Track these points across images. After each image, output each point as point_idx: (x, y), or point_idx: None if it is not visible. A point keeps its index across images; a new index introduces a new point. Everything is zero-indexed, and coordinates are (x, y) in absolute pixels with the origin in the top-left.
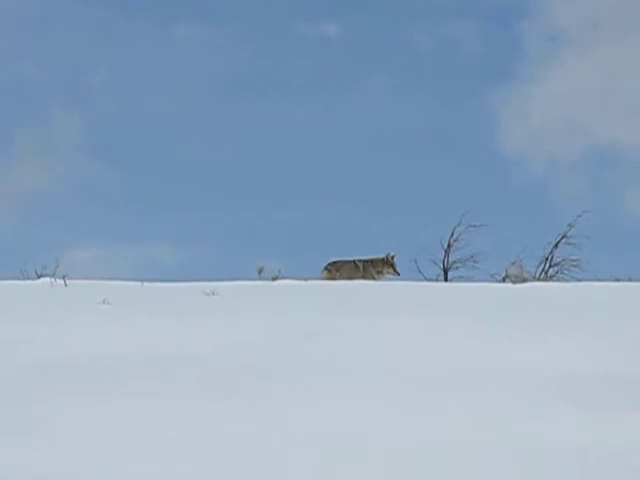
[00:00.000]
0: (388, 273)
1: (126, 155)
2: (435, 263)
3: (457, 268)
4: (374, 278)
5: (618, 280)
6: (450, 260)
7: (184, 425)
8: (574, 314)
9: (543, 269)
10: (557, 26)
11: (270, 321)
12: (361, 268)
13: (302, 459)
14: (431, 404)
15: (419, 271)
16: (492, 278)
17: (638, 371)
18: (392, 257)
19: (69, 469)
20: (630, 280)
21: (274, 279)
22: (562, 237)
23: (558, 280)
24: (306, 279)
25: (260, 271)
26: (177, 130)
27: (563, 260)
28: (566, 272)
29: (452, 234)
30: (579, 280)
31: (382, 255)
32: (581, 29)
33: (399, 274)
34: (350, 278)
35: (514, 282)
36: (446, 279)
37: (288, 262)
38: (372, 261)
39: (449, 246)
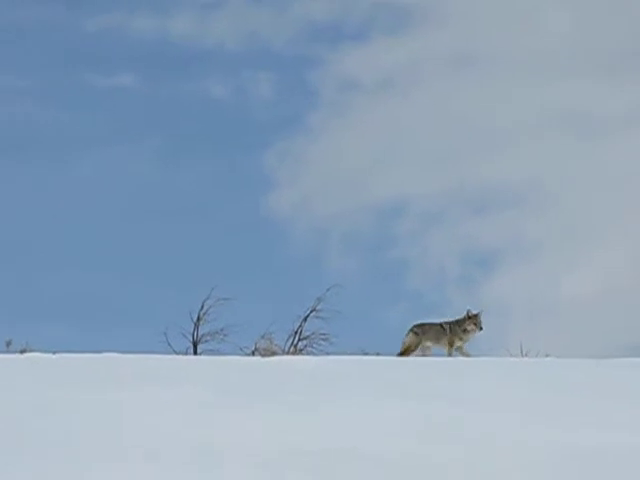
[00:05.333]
0: (472, 330)
1: None
2: (185, 336)
3: (207, 341)
4: (461, 339)
5: (366, 354)
6: (200, 333)
7: None
8: (322, 388)
9: (292, 342)
10: (349, 78)
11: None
12: (448, 331)
13: None
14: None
15: (168, 344)
16: (242, 351)
17: (392, 447)
18: (475, 314)
19: None
20: (378, 354)
21: (22, 352)
22: (311, 311)
23: (307, 353)
24: (54, 352)
25: (8, 344)
26: None
27: (313, 334)
28: (315, 346)
29: (202, 307)
30: (328, 354)
31: (463, 314)
32: (373, 82)
33: (482, 329)
34: (437, 341)
35: (263, 355)
36: (195, 352)
37: (41, 332)
38: (457, 321)
39: (199, 319)
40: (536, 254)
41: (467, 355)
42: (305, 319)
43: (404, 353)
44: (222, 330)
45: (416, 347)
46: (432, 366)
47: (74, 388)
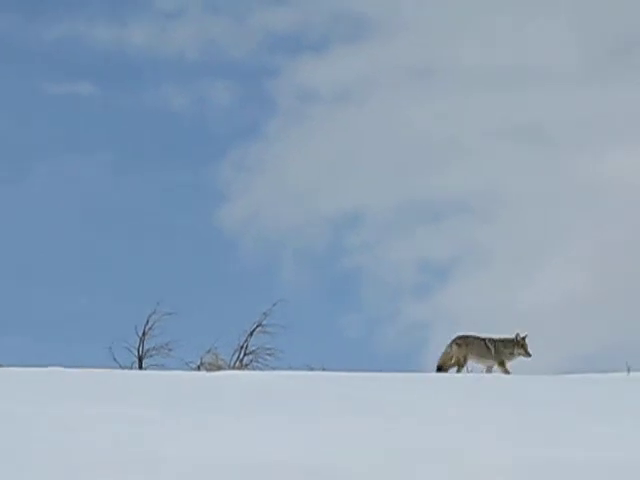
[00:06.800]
0: (519, 354)
1: None
2: (130, 350)
3: (152, 356)
4: (504, 360)
5: (312, 369)
6: (145, 348)
7: None
8: (267, 403)
9: (238, 357)
10: (307, 89)
11: None
12: (492, 349)
13: None
14: None
15: (114, 358)
16: (187, 366)
17: (336, 461)
18: (523, 338)
19: None
20: (324, 369)
21: None
22: (257, 325)
23: (253, 368)
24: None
25: None
26: None
27: (258, 348)
28: (261, 360)
29: (147, 321)
30: (274, 369)
31: (511, 335)
32: (330, 93)
33: (530, 355)
34: (479, 357)
35: (209, 370)
36: (141, 367)
37: None
38: (503, 341)
39: (144, 333)
40: (490, 264)
41: (507, 372)
42: (251, 334)
43: (444, 366)
44: (167, 345)
45: (458, 360)
46: (380, 381)
47: (18, 402)
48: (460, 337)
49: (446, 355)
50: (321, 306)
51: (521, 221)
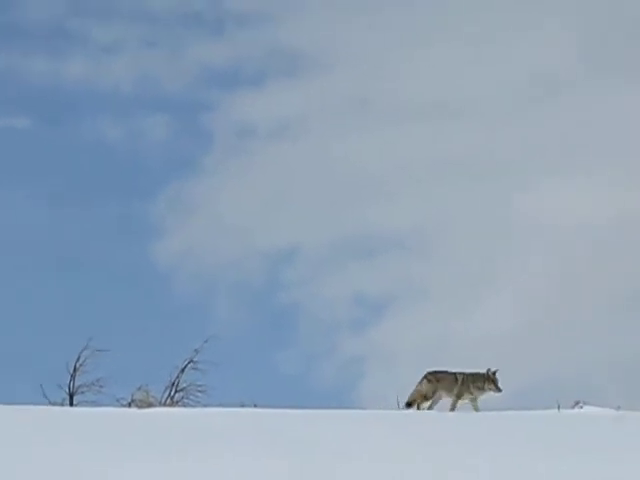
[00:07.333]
0: (490, 389)
1: None
2: (61, 387)
3: (83, 392)
4: (472, 393)
5: (244, 406)
6: (76, 384)
7: None
8: (198, 440)
9: (169, 394)
10: (244, 123)
11: None
12: (460, 382)
13: None
14: None
15: (44, 395)
16: (118, 403)
17: None
18: (494, 373)
19: None
20: (255, 406)
21: None
22: (189, 362)
23: (184, 405)
24: None
25: None
26: None
27: (189, 385)
28: (192, 397)
29: (78, 358)
30: (205, 405)
31: (483, 370)
32: (267, 128)
33: (501, 391)
34: (449, 391)
35: (140, 407)
36: (72, 404)
37: None
38: (473, 375)
39: (75, 370)
40: (425, 299)
41: (477, 410)
42: (182, 370)
43: (414, 401)
44: (98, 381)
45: (430, 396)
46: (310, 418)
47: None
48: (431, 373)
49: (417, 392)
50: (257, 342)
51: (456, 256)
